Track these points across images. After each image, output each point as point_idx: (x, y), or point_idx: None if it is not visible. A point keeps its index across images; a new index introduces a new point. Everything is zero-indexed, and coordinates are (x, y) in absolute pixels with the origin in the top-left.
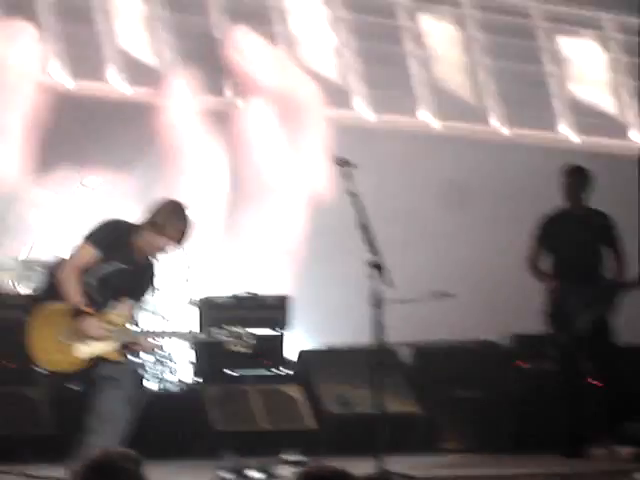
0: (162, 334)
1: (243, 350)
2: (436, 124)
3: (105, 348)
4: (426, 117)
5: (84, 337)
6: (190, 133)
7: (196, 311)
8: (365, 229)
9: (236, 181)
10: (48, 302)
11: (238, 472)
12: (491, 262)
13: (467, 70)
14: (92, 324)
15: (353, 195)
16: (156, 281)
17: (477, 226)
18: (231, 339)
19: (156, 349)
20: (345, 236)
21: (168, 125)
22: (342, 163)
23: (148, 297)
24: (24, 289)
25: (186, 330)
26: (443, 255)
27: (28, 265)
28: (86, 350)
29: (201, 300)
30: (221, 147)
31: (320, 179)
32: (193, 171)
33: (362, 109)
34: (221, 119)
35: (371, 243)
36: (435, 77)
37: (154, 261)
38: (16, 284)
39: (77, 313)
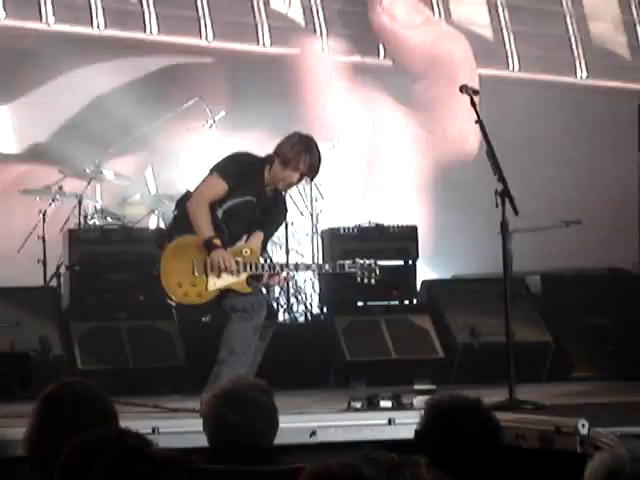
0: (290, 266)
1: (371, 281)
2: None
3: (235, 280)
4: (580, 74)
5: (215, 270)
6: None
7: (321, 243)
8: (492, 157)
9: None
10: (179, 235)
11: (369, 401)
12: (617, 189)
13: (623, 27)
14: (223, 257)
15: (480, 123)
16: (285, 214)
17: (601, 154)
18: (358, 271)
19: (285, 281)
20: (472, 165)
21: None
22: (470, 91)
23: (277, 230)
24: (154, 223)
25: (314, 262)
26: (570, 182)
27: (157, 199)
28: (217, 282)
29: (326, 231)
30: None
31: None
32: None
33: (514, 67)
34: (372, 78)
35: (498, 170)
36: (590, 34)
37: (283, 194)
38: (146, 218)
39: (208, 246)
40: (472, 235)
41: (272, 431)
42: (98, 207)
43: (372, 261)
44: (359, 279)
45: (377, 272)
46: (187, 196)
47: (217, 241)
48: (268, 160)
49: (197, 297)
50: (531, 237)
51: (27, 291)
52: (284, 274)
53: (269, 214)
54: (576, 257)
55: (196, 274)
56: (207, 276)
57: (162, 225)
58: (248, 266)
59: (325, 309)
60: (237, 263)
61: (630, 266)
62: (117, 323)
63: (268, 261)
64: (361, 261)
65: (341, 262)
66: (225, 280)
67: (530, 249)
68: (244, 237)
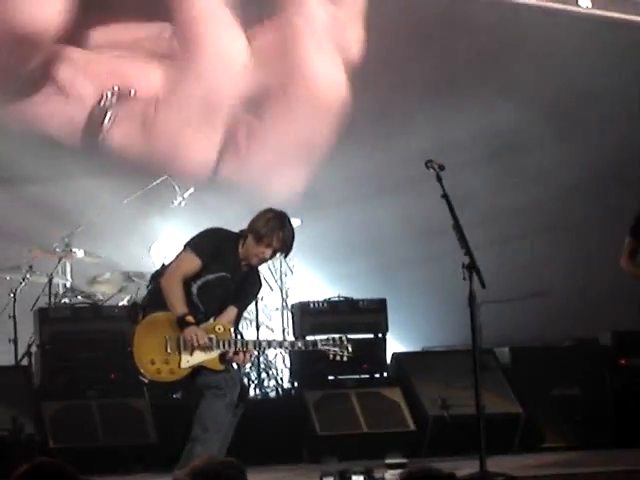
0: (262, 343)
1: (343, 358)
2: None
3: (208, 357)
4: None
5: (188, 347)
6: None
7: (291, 317)
8: (459, 231)
9: None
10: (153, 310)
11: (341, 476)
12: (587, 259)
13: None
14: (196, 334)
15: (447, 198)
16: (259, 288)
17: (571, 225)
18: (331, 348)
19: (249, 360)
20: (437, 238)
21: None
22: (435, 166)
23: (251, 304)
24: (122, 301)
25: (286, 339)
26: (538, 253)
27: (126, 276)
28: (190, 360)
29: (295, 306)
30: None
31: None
32: None
33: None
34: None
35: (465, 244)
36: None
37: (257, 270)
38: (116, 296)
39: (181, 323)
40: (441, 307)
41: None
42: (68, 285)
43: (344, 337)
44: (331, 356)
45: (349, 349)
46: (161, 271)
47: (190, 318)
48: (242, 235)
49: (170, 374)
50: (500, 308)
51: None
52: (254, 351)
53: (243, 289)
54: (547, 328)
55: (169, 351)
56: (180, 353)
57: (131, 302)
58: (221, 343)
59: (296, 383)
60: (210, 340)
61: (598, 336)
62: (88, 401)
63: (240, 338)
64: (333, 337)
65: (313, 339)
66: (198, 357)
67: (499, 321)
68: (217, 313)
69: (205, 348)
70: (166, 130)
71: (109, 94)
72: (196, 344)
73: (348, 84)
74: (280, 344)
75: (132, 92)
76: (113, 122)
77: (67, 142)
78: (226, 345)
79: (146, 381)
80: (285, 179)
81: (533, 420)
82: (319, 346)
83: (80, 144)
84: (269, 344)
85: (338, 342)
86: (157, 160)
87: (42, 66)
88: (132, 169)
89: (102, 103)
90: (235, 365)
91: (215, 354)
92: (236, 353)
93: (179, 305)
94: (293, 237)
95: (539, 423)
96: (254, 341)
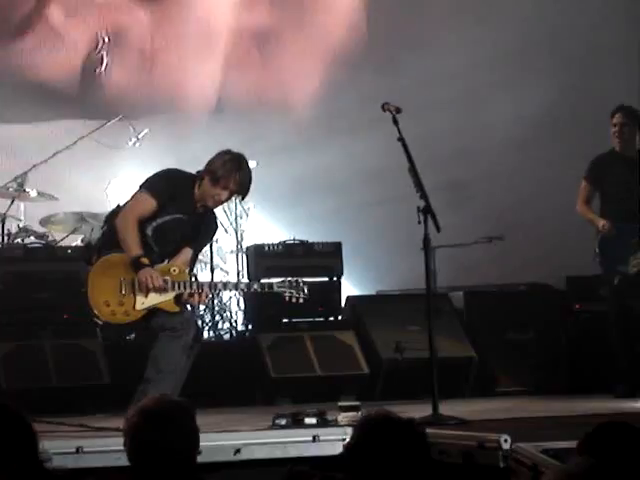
0: (217, 285)
1: (299, 300)
2: None
3: (163, 299)
4: None
5: (143, 289)
6: None
7: (246, 260)
8: (414, 174)
9: None
10: (108, 251)
11: (294, 418)
12: (543, 203)
13: None
14: (151, 276)
15: (402, 141)
16: (215, 230)
17: (528, 167)
18: (287, 290)
19: (205, 300)
20: (394, 181)
21: None
22: (392, 109)
23: (206, 245)
24: (76, 241)
25: (241, 281)
26: (494, 197)
27: (79, 217)
28: (145, 302)
29: (250, 248)
30: None
31: None
32: None
33: None
34: None
35: (420, 187)
36: None
37: (213, 211)
38: (70, 236)
39: (136, 265)
40: (395, 250)
41: (192, 451)
42: (21, 225)
43: (300, 280)
44: (287, 298)
45: (305, 291)
46: (116, 211)
47: (145, 260)
48: (198, 177)
49: (124, 316)
50: (456, 252)
51: None
52: (209, 292)
53: (199, 230)
54: (502, 273)
55: (123, 293)
56: (135, 295)
57: (85, 242)
58: (176, 285)
59: (250, 326)
60: (165, 282)
61: (552, 281)
62: (41, 342)
63: (195, 279)
64: (289, 280)
65: (269, 281)
66: (153, 299)
67: (455, 264)
68: (172, 254)
69: (160, 290)
70: (165, 66)
71: (105, 39)
72: (151, 286)
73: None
74: (235, 286)
75: (126, 34)
76: (110, 67)
77: (62, 88)
78: (181, 287)
79: (100, 322)
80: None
81: (486, 364)
82: (275, 288)
83: (76, 90)
84: (224, 286)
85: (294, 284)
86: (158, 99)
87: (35, 9)
88: (133, 112)
89: (98, 48)
90: (189, 307)
91: (170, 296)
92: (191, 295)
93: (134, 246)
94: (250, 179)
95: (492, 367)
96: (209, 283)
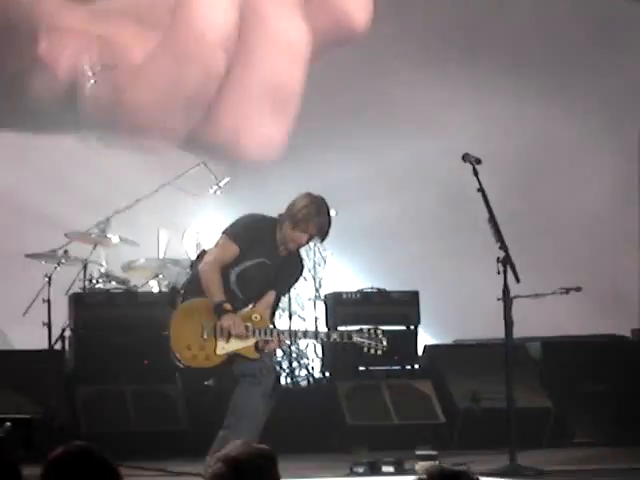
0: (297, 333)
1: (377, 352)
2: None
3: (243, 345)
4: None
5: (225, 334)
6: None
7: (324, 307)
8: (494, 224)
9: None
10: (192, 296)
11: (371, 466)
12: (620, 255)
13: None
14: (233, 321)
15: (482, 192)
16: (301, 270)
17: (604, 217)
18: (365, 341)
19: (279, 346)
20: (474, 232)
21: None
22: (471, 160)
23: (292, 287)
24: (158, 287)
25: (321, 330)
26: (570, 248)
27: (162, 263)
28: (226, 347)
29: (329, 296)
30: None
31: None
32: None
33: None
34: None
35: (500, 238)
36: None
37: (299, 253)
38: (150, 283)
39: (219, 310)
40: (472, 301)
41: None
42: (103, 271)
43: (379, 329)
44: (366, 349)
45: (384, 342)
46: (202, 256)
47: (227, 306)
48: (279, 221)
49: (205, 360)
50: (532, 303)
51: (32, 354)
52: (288, 341)
53: (283, 273)
54: (575, 324)
55: (205, 337)
56: (216, 340)
57: (169, 288)
58: (257, 332)
59: (327, 373)
60: (247, 328)
61: (628, 333)
62: (121, 387)
63: (276, 327)
64: (368, 329)
65: (348, 330)
66: (234, 345)
67: (530, 315)
68: (255, 300)
69: (241, 336)
70: (229, 115)
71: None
72: (233, 332)
73: None
74: (315, 335)
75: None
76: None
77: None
78: (262, 334)
79: (181, 366)
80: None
81: (563, 415)
82: (354, 338)
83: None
84: (304, 334)
85: (373, 335)
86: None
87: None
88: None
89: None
90: (267, 354)
91: (251, 342)
92: (266, 342)
93: (216, 292)
94: (330, 223)
95: (569, 419)
96: (289, 331)
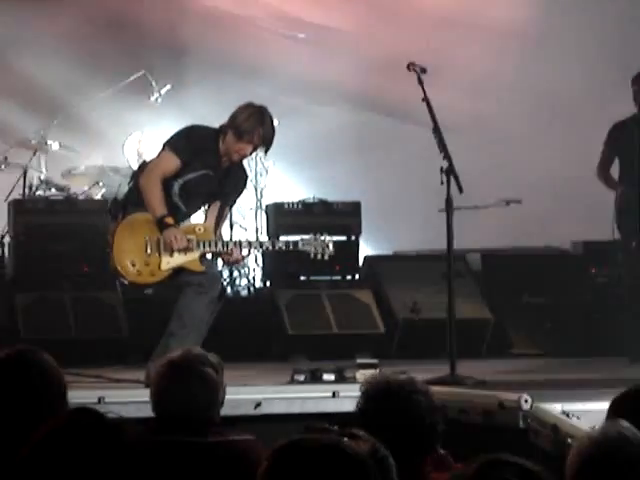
0: (244, 243)
1: (324, 257)
2: None
3: (188, 259)
4: None
5: (168, 249)
6: None
7: (266, 217)
8: (438, 135)
9: None
10: (133, 208)
11: (312, 374)
12: (561, 168)
13: None
14: (175, 236)
15: (427, 102)
16: (245, 181)
17: (550, 132)
18: (312, 247)
19: (239, 259)
20: (417, 142)
21: None
22: (417, 69)
23: (237, 197)
24: (97, 195)
25: (265, 239)
26: (514, 160)
27: (101, 171)
28: (170, 261)
29: (270, 206)
30: None
31: None
32: None
33: None
34: None
35: (444, 148)
36: None
37: (242, 165)
38: (91, 190)
39: (161, 225)
40: (412, 212)
41: (216, 405)
42: (43, 178)
43: (325, 237)
44: (312, 255)
45: (330, 247)
46: (143, 167)
47: (169, 219)
48: (221, 131)
49: (150, 276)
50: (474, 214)
51: None
52: (237, 252)
53: (226, 184)
54: (519, 236)
55: (149, 252)
56: (160, 255)
57: (105, 197)
58: (201, 244)
59: (268, 283)
60: (190, 241)
61: (567, 245)
62: (61, 294)
63: (220, 238)
64: (314, 236)
65: (294, 239)
66: (178, 259)
67: (472, 227)
68: (203, 209)
69: (185, 250)
70: None
71: None
72: (175, 246)
73: None
74: (260, 244)
75: None
76: None
77: None
78: (206, 246)
79: (126, 282)
80: None
81: (502, 326)
82: (300, 246)
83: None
84: (249, 244)
85: (320, 241)
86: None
87: None
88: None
89: None
90: (220, 263)
91: (195, 255)
92: (217, 254)
93: (158, 206)
94: (274, 133)
95: (508, 330)
96: (235, 242)
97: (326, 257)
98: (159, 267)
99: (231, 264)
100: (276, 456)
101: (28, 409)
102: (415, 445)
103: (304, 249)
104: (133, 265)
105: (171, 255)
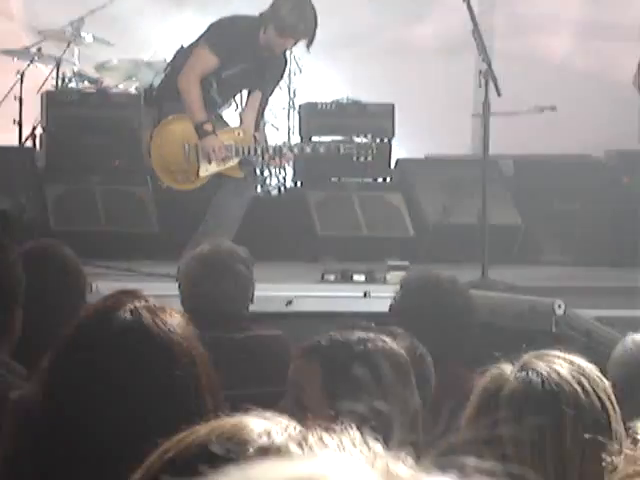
0: (285, 148)
1: (367, 159)
2: None
3: (227, 166)
4: None
5: (206, 157)
6: None
7: (298, 117)
8: (479, 37)
9: None
10: (168, 103)
11: (343, 274)
12: (597, 76)
13: None
14: (214, 147)
15: (468, 3)
16: (284, 68)
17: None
18: (355, 150)
19: (278, 164)
20: (455, 43)
21: None
22: None
23: (274, 89)
24: (130, 88)
25: (310, 142)
26: (549, 67)
27: (135, 64)
28: (209, 168)
29: (304, 106)
30: None
31: None
32: None
33: None
34: None
35: (483, 50)
36: None
37: (283, 53)
38: (124, 84)
39: (200, 132)
40: (446, 115)
41: (246, 300)
42: (76, 70)
43: (369, 141)
44: (355, 158)
45: (374, 150)
46: (179, 54)
47: (208, 126)
48: (262, 23)
49: (188, 183)
50: (507, 120)
51: (2, 150)
52: (282, 156)
53: (266, 74)
54: (548, 144)
55: (187, 159)
56: (198, 162)
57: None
58: (241, 150)
59: (299, 183)
60: (229, 149)
61: (601, 154)
62: (92, 186)
63: (260, 143)
64: (359, 140)
65: (328, 140)
66: (216, 166)
67: (506, 132)
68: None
69: (223, 159)
70: None
71: None
72: (213, 158)
73: None
74: (302, 148)
75: None
76: None
77: None
78: (246, 152)
79: (163, 187)
80: None
81: (533, 233)
82: (342, 150)
83: None
84: (291, 148)
85: (363, 145)
86: None
87: None
88: None
89: None
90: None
91: (235, 161)
92: (272, 158)
93: (197, 111)
94: (317, 25)
95: (539, 236)
96: (275, 147)
97: (369, 158)
98: (197, 174)
99: (271, 165)
100: (313, 350)
101: (46, 303)
102: (450, 343)
103: (346, 152)
104: (171, 171)
105: (209, 163)
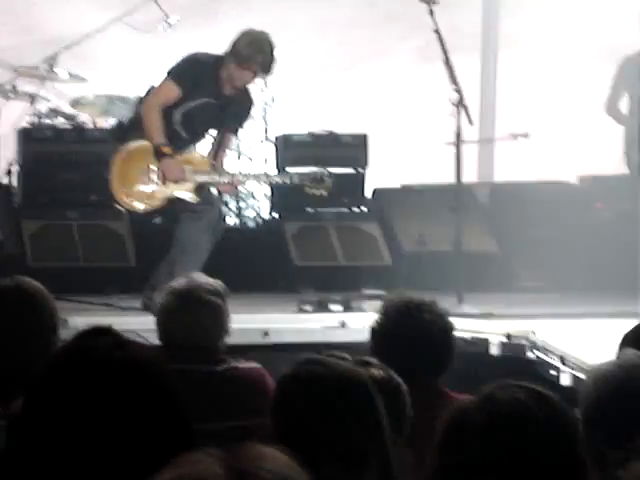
0: (242, 176)
1: (323, 193)
2: None
3: (184, 189)
4: None
5: (162, 178)
6: None
7: (273, 149)
8: (449, 66)
9: None
10: (134, 135)
11: (320, 304)
12: (570, 103)
13: None
14: (172, 166)
15: (438, 33)
16: (250, 106)
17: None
18: (308, 182)
19: (235, 191)
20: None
21: None
22: (428, 0)
23: (244, 122)
24: (104, 123)
25: (265, 173)
26: (523, 95)
27: (110, 100)
28: (166, 191)
29: (278, 138)
30: None
31: None
32: None
33: None
34: None
35: (454, 80)
36: None
37: (247, 90)
38: (96, 119)
39: (157, 153)
40: (420, 145)
41: (222, 333)
42: (51, 106)
43: (326, 173)
44: (308, 189)
45: (328, 184)
46: (149, 93)
47: (165, 148)
48: (224, 58)
49: (146, 201)
50: (482, 148)
51: None
52: (234, 185)
53: (229, 111)
54: (522, 171)
55: (145, 182)
56: (156, 184)
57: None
58: (198, 174)
59: (275, 214)
60: (184, 172)
61: (576, 180)
62: (69, 222)
63: (219, 170)
64: (314, 173)
65: (292, 173)
66: (173, 188)
67: (478, 161)
68: (206, 136)
69: (179, 180)
70: None
71: None
72: (168, 177)
73: None
74: (257, 178)
75: None
76: None
77: None
78: (202, 177)
79: (122, 210)
80: None
81: (509, 260)
82: (296, 181)
83: None
84: (245, 177)
85: (318, 177)
86: None
87: None
88: None
89: None
90: (215, 191)
91: (190, 185)
92: (213, 184)
93: (155, 134)
94: (274, 59)
95: (515, 263)
96: (232, 173)
97: (324, 193)
98: (154, 195)
99: (227, 194)
100: (286, 383)
101: (18, 341)
102: (431, 364)
103: (301, 184)
104: (129, 193)
105: (165, 184)
